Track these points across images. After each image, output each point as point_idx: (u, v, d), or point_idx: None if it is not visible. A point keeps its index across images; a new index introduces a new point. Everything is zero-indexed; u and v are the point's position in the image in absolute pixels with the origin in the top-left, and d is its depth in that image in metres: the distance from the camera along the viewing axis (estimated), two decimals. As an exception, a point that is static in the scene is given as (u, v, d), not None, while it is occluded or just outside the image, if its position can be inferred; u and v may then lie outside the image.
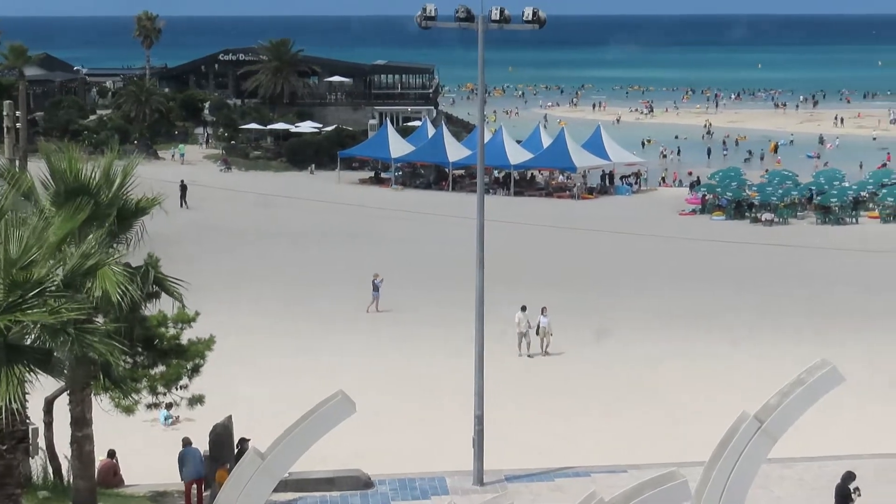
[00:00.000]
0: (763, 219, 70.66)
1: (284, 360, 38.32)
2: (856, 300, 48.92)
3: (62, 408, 22.96)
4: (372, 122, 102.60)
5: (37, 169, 22.38)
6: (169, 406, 27.18)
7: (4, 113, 53.53)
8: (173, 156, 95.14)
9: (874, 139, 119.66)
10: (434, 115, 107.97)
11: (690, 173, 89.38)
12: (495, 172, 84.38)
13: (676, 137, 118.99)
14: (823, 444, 27.83)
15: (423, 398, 34.53)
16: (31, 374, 16.84)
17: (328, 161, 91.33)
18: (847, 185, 76.47)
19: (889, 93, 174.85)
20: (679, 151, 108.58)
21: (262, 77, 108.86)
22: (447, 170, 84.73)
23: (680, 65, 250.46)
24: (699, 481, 19.03)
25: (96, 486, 23.01)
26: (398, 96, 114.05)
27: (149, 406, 25.35)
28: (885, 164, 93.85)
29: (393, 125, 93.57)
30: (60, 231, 18.29)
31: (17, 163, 46.30)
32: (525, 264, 55.08)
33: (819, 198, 73.32)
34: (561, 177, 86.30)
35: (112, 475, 26.10)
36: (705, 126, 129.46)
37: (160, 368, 24.48)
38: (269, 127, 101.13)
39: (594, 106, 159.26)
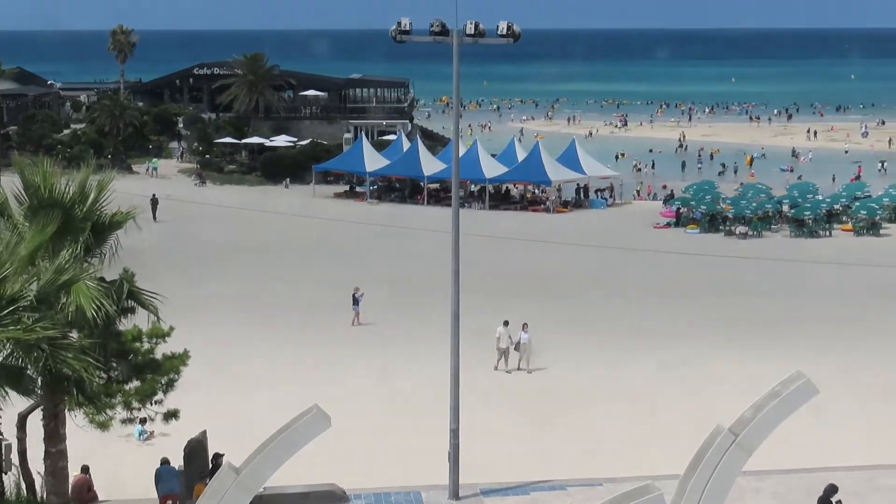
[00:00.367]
0: (737, 232, 70.92)
1: (259, 375, 38.22)
2: (830, 312, 49.14)
3: (36, 423, 22.84)
4: (347, 135, 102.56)
5: (10, 183, 22.27)
6: (143, 421, 27.07)
7: (-22, 127, 53.30)
8: (147, 170, 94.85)
9: (846, 152, 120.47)
10: (409, 128, 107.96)
11: (665, 186, 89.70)
12: (471, 186, 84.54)
13: (651, 151, 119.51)
14: (797, 457, 27.92)
15: (399, 412, 34.48)
16: (2, 391, 16.74)
17: (303, 175, 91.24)
18: (820, 198, 76.91)
19: (862, 106, 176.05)
20: (653, 165, 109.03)
21: (237, 91, 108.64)
22: (422, 183, 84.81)
23: (655, 79, 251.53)
24: (674, 494, 19.06)
25: (70, 502, 22.89)
26: (373, 110, 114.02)
27: (123, 421, 25.24)
28: (858, 177, 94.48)
29: (368, 139, 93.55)
30: (31, 244, 18.22)
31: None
32: (500, 278, 55.13)
33: (793, 211, 73.70)
34: (536, 190, 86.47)
35: (86, 491, 25.96)
36: (679, 139, 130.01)
37: (135, 383, 24.37)
38: (243, 141, 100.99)
39: (569, 120, 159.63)
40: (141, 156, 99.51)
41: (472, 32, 25.59)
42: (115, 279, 21.15)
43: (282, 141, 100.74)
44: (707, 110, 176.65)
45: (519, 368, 39.79)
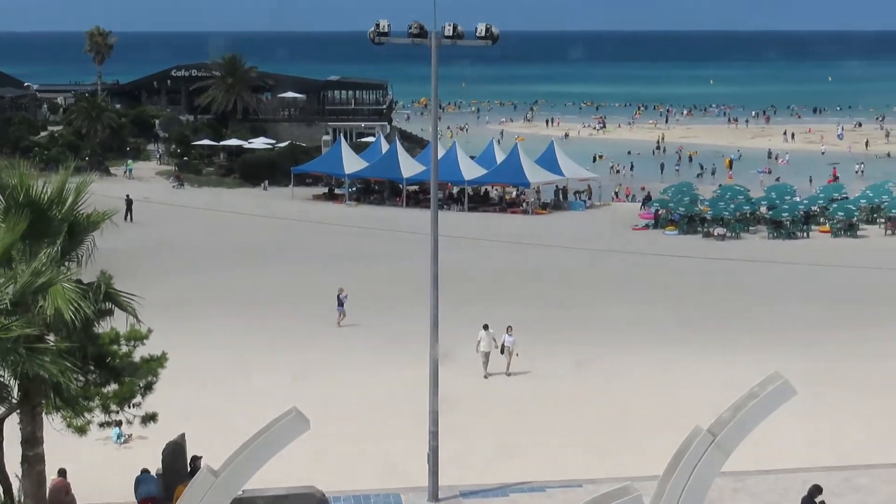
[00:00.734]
0: (715, 233, 71.12)
1: (237, 377, 38.09)
2: (808, 314, 49.30)
3: (12, 426, 22.70)
4: (325, 137, 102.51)
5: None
6: (120, 424, 26.94)
7: (-46, 129, 53.05)
8: (124, 172, 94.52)
9: (823, 153, 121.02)
10: (388, 130, 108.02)
11: (643, 188, 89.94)
12: (452, 189, 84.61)
13: (629, 153, 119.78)
14: (774, 458, 28.00)
15: (379, 414, 34.43)
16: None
17: (282, 177, 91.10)
18: (798, 199, 77.21)
19: (839, 108, 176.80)
20: (632, 167, 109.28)
21: (215, 93, 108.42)
22: (401, 185, 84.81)
23: (633, 80, 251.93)
24: (653, 495, 19.09)
25: (48, 505, 22.75)
26: (352, 112, 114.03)
27: (101, 425, 25.10)
28: (836, 178, 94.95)
29: (347, 141, 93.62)
30: (2, 244, 18.06)
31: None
32: (479, 280, 55.14)
33: (771, 212, 73.93)
34: (514, 192, 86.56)
35: (64, 495, 25.80)
36: (658, 141, 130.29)
37: (113, 386, 24.23)
38: (221, 143, 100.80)
39: (548, 122, 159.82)
40: (118, 158, 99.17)
41: (451, 34, 25.59)
42: (93, 281, 21.03)
43: (260, 143, 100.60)
44: (685, 112, 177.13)
45: (506, 372, 39.47)
